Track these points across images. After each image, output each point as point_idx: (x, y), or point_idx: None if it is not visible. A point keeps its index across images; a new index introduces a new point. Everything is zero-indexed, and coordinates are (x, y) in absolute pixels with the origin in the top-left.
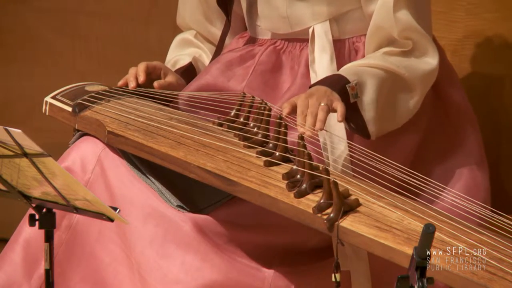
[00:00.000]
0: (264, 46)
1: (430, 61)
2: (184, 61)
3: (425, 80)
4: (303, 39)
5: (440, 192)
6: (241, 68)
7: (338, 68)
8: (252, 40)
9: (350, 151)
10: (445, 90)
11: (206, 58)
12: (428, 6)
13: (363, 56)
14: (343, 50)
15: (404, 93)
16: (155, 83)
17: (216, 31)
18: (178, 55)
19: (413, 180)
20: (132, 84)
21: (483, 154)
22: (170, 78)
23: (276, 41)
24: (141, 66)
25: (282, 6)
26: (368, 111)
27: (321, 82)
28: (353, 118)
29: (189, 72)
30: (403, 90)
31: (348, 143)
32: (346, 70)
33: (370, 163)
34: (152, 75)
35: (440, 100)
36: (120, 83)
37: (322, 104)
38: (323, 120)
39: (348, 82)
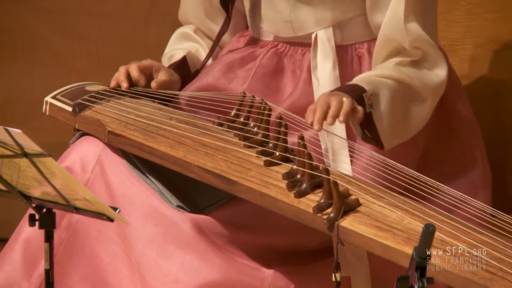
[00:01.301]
0: (266, 48)
1: (440, 72)
2: (178, 56)
3: (435, 91)
4: (305, 43)
5: (441, 194)
6: (242, 70)
7: (341, 74)
8: (254, 41)
9: (350, 151)
10: (449, 100)
11: (203, 53)
12: (435, 15)
13: (366, 62)
14: (345, 56)
15: (416, 104)
16: (153, 83)
17: (217, 28)
18: (174, 49)
19: (413, 181)
20: (124, 85)
21: (486, 167)
22: (163, 76)
23: (278, 43)
24: (133, 70)
25: (286, 10)
26: (382, 122)
27: (338, 90)
28: (367, 128)
29: (181, 67)
30: (416, 100)
31: (349, 142)
32: (361, 80)
33: (371, 163)
34: (144, 74)
35: (443, 110)
36: (112, 84)
37: (345, 98)
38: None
39: (365, 90)
